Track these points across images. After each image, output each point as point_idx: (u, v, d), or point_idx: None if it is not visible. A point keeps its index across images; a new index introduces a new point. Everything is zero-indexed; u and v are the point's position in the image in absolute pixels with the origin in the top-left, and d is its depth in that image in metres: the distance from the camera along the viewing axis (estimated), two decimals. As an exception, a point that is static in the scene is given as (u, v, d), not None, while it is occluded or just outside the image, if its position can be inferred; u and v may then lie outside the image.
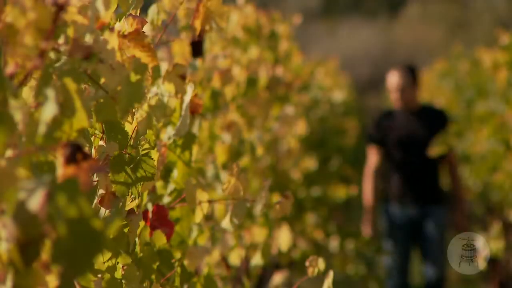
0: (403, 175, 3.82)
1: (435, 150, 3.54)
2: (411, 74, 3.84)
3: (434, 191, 3.83)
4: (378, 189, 3.92)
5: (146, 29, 1.30)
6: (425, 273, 3.83)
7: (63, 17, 0.83)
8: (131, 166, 1.07)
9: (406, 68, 3.88)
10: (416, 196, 3.80)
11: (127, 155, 1.07)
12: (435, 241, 3.75)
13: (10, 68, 0.78)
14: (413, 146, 3.81)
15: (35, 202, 0.67)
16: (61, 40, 0.84)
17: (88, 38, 0.85)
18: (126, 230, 1.11)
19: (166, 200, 1.31)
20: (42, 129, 0.75)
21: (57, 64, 0.82)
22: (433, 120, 3.84)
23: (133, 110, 1.09)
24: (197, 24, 1.35)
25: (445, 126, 3.81)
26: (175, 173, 1.28)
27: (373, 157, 3.92)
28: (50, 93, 0.75)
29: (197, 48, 1.51)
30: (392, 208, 3.84)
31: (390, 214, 3.84)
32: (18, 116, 0.75)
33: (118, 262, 1.10)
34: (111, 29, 1.00)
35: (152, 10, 1.32)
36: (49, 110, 0.75)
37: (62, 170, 0.72)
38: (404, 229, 3.80)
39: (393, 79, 3.84)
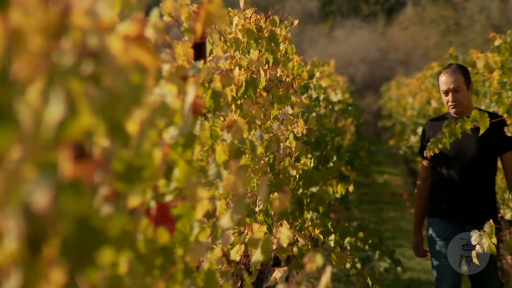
0: (454, 190, 3.42)
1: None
2: (464, 75, 3.40)
3: (487, 209, 3.39)
4: (427, 203, 3.56)
5: (148, 31, 1.32)
6: None
7: (69, 19, 0.85)
8: (134, 165, 1.09)
9: (460, 67, 3.44)
10: (467, 214, 3.39)
11: (130, 155, 1.10)
12: (487, 268, 3.34)
13: (15, 70, 0.80)
14: (464, 158, 3.38)
15: (41, 201, 0.70)
16: (66, 42, 0.86)
17: (93, 40, 0.87)
18: (129, 227, 1.14)
19: (168, 198, 1.34)
20: (47, 129, 0.77)
21: (62, 66, 0.84)
22: (489, 127, 3.20)
23: (136, 110, 1.11)
24: (198, 27, 1.38)
25: (501, 133, 3.22)
26: (177, 172, 1.31)
27: (422, 169, 3.58)
28: (56, 94, 0.77)
29: (199, 50, 1.54)
30: (439, 224, 3.46)
31: (437, 231, 3.47)
32: (24, 117, 0.76)
33: (120, 259, 1.12)
34: (115, 31, 1.02)
35: (154, 13, 1.35)
36: (55, 111, 0.77)
37: (66, 170, 0.74)
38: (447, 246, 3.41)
39: (447, 78, 3.39)
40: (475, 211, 3.39)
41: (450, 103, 3.40)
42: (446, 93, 3.39)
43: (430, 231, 3.51)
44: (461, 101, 3.38)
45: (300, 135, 2.67)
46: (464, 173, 3.40)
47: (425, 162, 3.56)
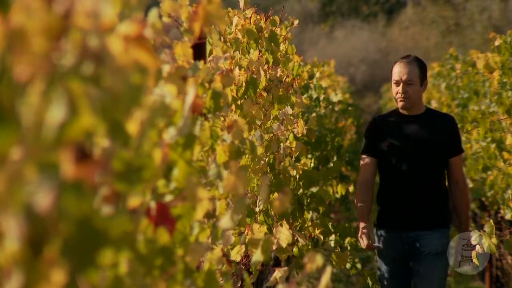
0: (400, 192, 3.15)
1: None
2: (420, 68, 3.14)
3: (437, 212, 3.16)
4: (371, 205, 3.25)
5: (147, 32, 1.32)
6: None
7: (71, 20, 0.85)
8: (134, 166, 1.10)
9: (417, 59, 3.18)
10: (414, 218, 3.14)
11: (130, 155, 1.10)
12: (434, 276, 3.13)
13: (17, 71, 0.80)
14: (412, 157, 3.13)
15: (43, 202, 0.70)
16: (67, 43, 0.86)
17: (93, 41, 0.87)
18: (129, 228, 1.14)
19: (168, 198, 1.34)
20: (49, 130, 0.77)
21: (64, 67, 0.85)
22: (438, 126, 3.16)
23: (136, 111, 1.12)
24: (196, 27, 1.38)
25: (452, 134, 3.15)
26: (176, 172, 1.31)
27: (365, 168, 3.22)
28: (58, 95, 0.77)
29: (199, 51, 1.55)
30: (384, 231, 3.22)
31: (381, 238, 3.22)
32: (25, 118, 0.77)
33: (121, 260, 1.12)
34: (115, 32, 1.03)
35: (153, 13, 1.35)
36: (57, 112, 0.77)
37: (68, 171, 0.74)
38: (398, 259, 3.19)
39: (401, 69, 3.12)
40: (420, 217, 3.14)
41: (398, 95, 3.13)
42: (397, 83, 3.13)
43: (377, 244, 3.22)
44: (410, 95, 3.11)
45: (300, 135, 2.67)
46: (410, 176, 3.13)
47: (368, 161, 3.21)
